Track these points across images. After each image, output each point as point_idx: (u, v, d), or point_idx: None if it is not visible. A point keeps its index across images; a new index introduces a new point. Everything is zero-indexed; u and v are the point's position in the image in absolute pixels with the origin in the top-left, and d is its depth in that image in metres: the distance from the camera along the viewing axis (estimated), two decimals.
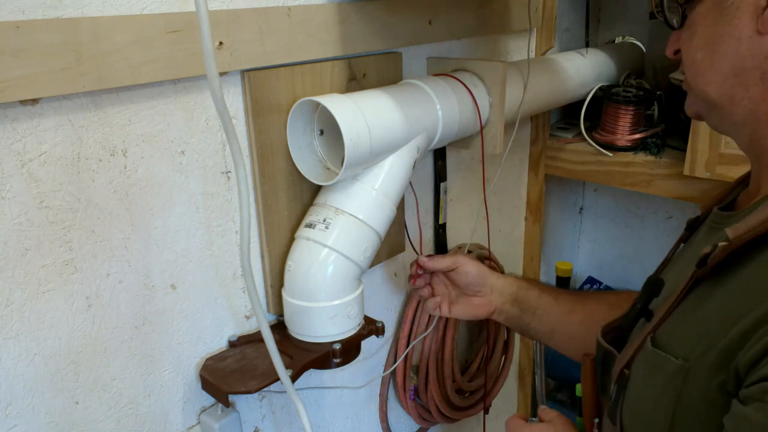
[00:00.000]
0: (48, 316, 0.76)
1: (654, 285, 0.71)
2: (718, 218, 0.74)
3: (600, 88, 1.56)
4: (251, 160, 0.94)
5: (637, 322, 0.72)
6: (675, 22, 0.71)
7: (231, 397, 1.02)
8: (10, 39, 0.64)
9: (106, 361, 0.84)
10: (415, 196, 1.27)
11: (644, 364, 0.67)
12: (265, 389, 1.06)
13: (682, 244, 0.84)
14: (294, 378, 0.90)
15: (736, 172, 1.25)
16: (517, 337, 1.93)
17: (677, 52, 0.73)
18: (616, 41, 1.87)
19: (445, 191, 1.39)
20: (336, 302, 0.96)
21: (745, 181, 0.78)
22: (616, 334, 0.78)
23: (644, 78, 1.78)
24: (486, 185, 1.54)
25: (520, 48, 1.53)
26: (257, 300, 0.83)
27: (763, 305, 0.56)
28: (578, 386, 0.92)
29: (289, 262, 0.97)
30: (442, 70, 1.19)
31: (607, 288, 2.23)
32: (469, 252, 1.41)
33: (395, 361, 1.36)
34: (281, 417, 1.13)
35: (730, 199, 0.77)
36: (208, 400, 0.99)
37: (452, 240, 1.48)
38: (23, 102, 0.69)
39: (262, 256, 0.99)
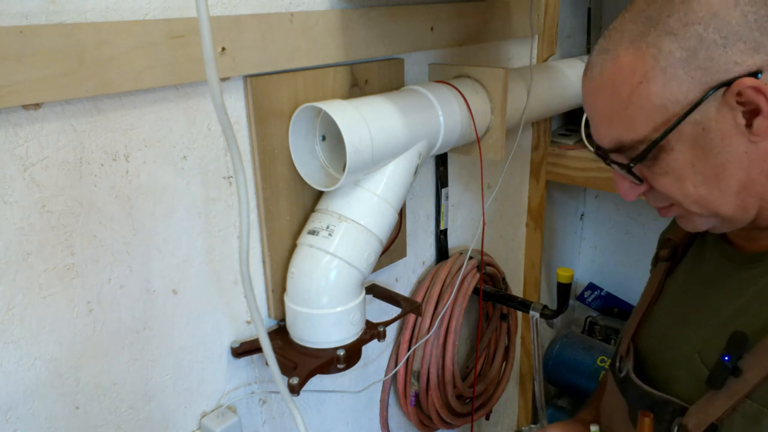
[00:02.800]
0: (49, 321, 0.76)
1: (743, 342, 0.67)
2: (736, 257, 0.75)
3: None
4: (253, 166, 0.94)
5: (727, 379, 0.68)
6: (631, 177, 0.71)
7: (232, 402, 1.02)
8: (14, 44, 0.64)
9: (106, 366, 0.84)
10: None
11: (743, 421, 0.66)
12: (266, 393, 1.06)
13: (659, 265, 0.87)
14: (301, 385, 0.90)
15: None
16: (517, 343, 1.92)
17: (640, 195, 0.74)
18: None
19: (447, 197, 1.39)
20: (339, 309, 0.96)
21: None
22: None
23: None
24: (488, 191, 1.54)
25: (522, 54, 1.53)
26: (255, 308, 0.83)
27: None
28: None
29: (292, 269, 0.97)
30: (443, 76, 1.19)
31: (608, 294, 2.24)
32: (471, 258, 1.41)
33: (396, 366, 1.35)
34: (281, 422, 1.13)
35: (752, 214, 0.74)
36: (208, 405, 0.99)
37: (453, 246, 1.48)
38: (26, 107, 0.69)
39: (264, 262, 0.99)
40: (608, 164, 0.73)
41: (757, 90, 0.60)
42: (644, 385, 0.77)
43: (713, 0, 0.62)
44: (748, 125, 0.62)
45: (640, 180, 0.70)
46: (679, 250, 0.87)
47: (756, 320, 0.68)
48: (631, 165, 0.68)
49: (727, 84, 0.61)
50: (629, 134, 0.67)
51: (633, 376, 0.80)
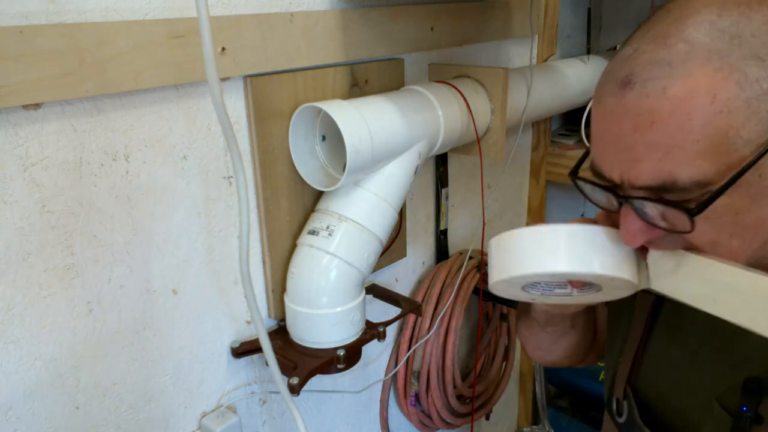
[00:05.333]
0: (49, 321, 0.76)
1: (758, 388, 0.63)
2: None
3: None
4: (253, 166, 0.94)
5: (751, 429, 0.64)
6: (683, 225, 0.57)
7: (232, 402, 1.02)
8: (13, 44, 0.64)
9: (106, 366, 0.84)
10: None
11: None
12: (266, 393, 1.06)
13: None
14: (301, 385, 0.90)
15: None
16: (517, 343, 1.92)
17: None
18: (618, 48, 1.87)
19: (447, 197, 1.39)
20: (339, 309, 0.96)
21: None
22: None
23: None
24: (488, 191, 1.54)
25: (522, 55, 1.53)
26: (255, 308, 0.83)
27: None
28: None
29: (292, 269, 0.97)
30: (444, 76, 1.19)
31: None
32: (471, 258, 1.41)
33: (396, 366, 1.35)
34: (281, 422, 1.13)
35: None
36: (208, 405, 0.99)
37: (453, 246, 1.48)
38: (26, 107, 0.69)
39: (264, 262, 0.99)
40: (624, 202, 0.60)
41: None
42: None
43: None
44: None
45: (692, 228, 0.56)
46: None
47: None
48: (695, 211, 0.55)
49: None
50: (689, 172, 0.54)
51: (639, 421, 0.75)
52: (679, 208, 0.55)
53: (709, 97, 0.52)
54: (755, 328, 0.57)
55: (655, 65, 0.54)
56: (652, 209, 0.58)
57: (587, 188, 0.64)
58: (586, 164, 0.66)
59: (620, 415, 0.79)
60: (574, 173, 0.65)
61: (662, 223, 0.59)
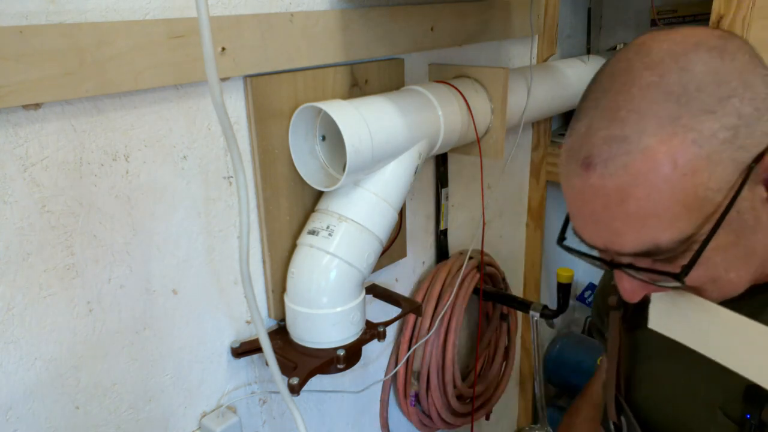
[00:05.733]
0: (49, 321, 0.76)
1: (758, 395, 0.64)
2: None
3: None
4: (253, 166, 0.94)
5: None
6: (674, 282, 0.58)
7: (232, 402, 1.02)
8: (13, 44, 0.64)
9: (106, 366, 0.84)
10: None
11: None
12: (266, 393, 1.06)
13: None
14: (301, 385, 0.90)
15: None
16: (517, 343, 1.92)
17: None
18: (618, 48, 1.87)
19: (447, 197, 1.39)
20: (339, 309, 0.96)
21: None
22: None
23: None
24: (488, 191, 1.55)
25: (522, 55, 1.53)
26: (255, 308, 0.83)
27: None
28: None
29: (292, 269, 0.97)
30: (444, 76, 1.19)
31: None
32: (471, 258, 1.41)
33: (396, 366, 1.35)
34: (281, 422, 1.13)
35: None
36: (208, 405, 0.99)
37: (453, 246, 1.48)
38: (26, 107, 0.69)
39: (264, 262, 0.99)
40: (615, 268, 0.61)
41: None
42: None
43: (738, 66, 0.54)
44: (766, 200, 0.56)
45: (684, 283, 0.58)
46: None
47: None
48: (682, 275, 0.56)
49: (759, 158, 0.54)
50: (669, 235, 0.55)
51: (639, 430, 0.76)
52: (666, 275, 0.57)
53: (671, 165, 0.52)
54: (744, 372, 0.59)
55: (611, 143, 0.54)
56: (642, 273, 0.59)
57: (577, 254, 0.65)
58: None
59: None
60: (560, 240, 0.66)
61: (655, 282, 0.60)
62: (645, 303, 0.69)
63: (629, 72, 0.56)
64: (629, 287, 0.62)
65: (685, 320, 0.64)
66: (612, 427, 0.83)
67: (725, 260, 0.58)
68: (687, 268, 0.56)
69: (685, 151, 0.52)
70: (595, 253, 0.63)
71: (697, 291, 0.62)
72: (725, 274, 0.59)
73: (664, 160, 0.52)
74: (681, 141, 0.52)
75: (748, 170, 0.54)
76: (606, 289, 0.89)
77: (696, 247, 0.56)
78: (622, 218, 0.56)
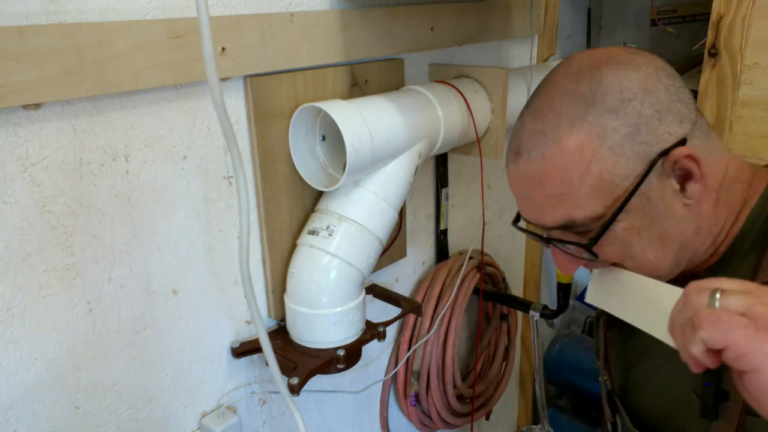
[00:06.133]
0: (49, 321, 0.76)
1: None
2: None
3: None
4: (253, 166, 0.94)
5: (719, 406, 0.68)
6: (589, 255, 0.68)
7: (232, 402, 1.02)
8: (13, 44, 0.64)
9: (106, 366, 0.84)
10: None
11: None
12: (266, 393, 1.06)
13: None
14: (301, 385, 0.90)
15: None
16: (518, 343, 1.92)
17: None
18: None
19: (447, 197, 1.39)
20: (339, 309, 0.96)
21: None
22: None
23: None
24: (488, 191, 1.55)
25: (522, 55, 1.53)
26: (255, 308, 0.83)
27: None
28: None
29: (292, 269, 0.97)
30: (444, 76, 1.19)
31: None
32: (471, 258, 1.41)
33: (396, 366, 1.35)
34: (281, 422, 1.13)
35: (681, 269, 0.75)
36: (208, 404, 0.99)
37: (453, 246, 1.48)
38: (26, 107, 0.69)
39: (264, 261, 0.99)
40: (547, 244, 0.72)
41: (690, 157, 0.63)
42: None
43: (642, 76, 0.64)
44: (682, 189, 0.65)
45: (596, 256, 0.68)
46: None
47: None
48: (589, 245, 0.67)
49: (665, 153, 0.63)
50: (581, 212, 0.66)
51: (631, 426, 0.80)
52: (578, 245, 0.67)
53: (578, 153, 0.64)
54: (654, 333, 0.65)
55: (534, 135, 0.67)
56: (566, 246, 0.70)
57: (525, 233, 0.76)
58: None
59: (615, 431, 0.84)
60: (515, 222, 0.77)
61: (579, 255, 0.70)
62: None
63: (553, 80, 0.68)
64: (561, 260, 0.73)
65: (617, 294, 0.73)
66: (609, 427, 0.85)
67: (640, 241, 0.67)
68: (593, 241, 0.66)
69: (590, 142, 0.63)
70: (538, 231, 0.73)
71: (621, 268, 0.71)
72: (642, 254, 0.68)
73: (573, 149, 0.64)
74: (587, 134, 0.63)
75: (652, 163, 0.63)
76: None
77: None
78: (542, 197, 0.67)
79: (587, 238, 0.67)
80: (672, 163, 0.64)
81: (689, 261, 0.71)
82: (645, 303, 0.68)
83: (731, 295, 0.51)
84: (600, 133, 0.63)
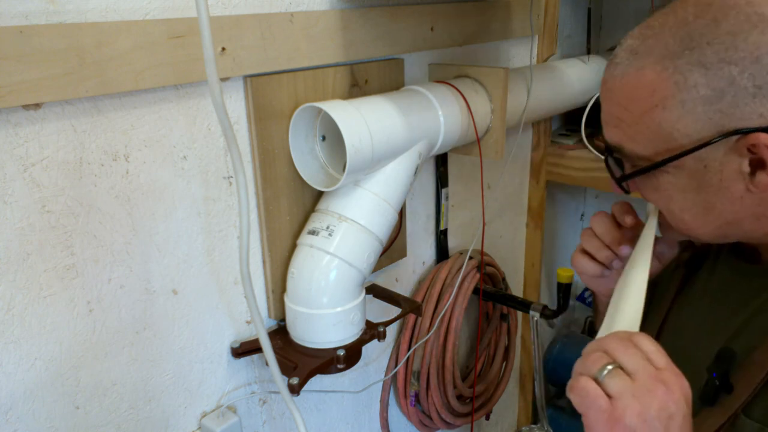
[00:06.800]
0: (49, 321, 0.76)
1: (729, 358, 0.68)
2: (742, 270, 0.74)
3: None
4: (253, 166, 0.94)
5: (719, 396, 0.68)
6: (625, 186, 0.71)
7: (232, 402, 1.02)
8: (14, 44, 0.64)
9: (106, 366, 0.84)
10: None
11: None
12: (266, 393, 1.06)
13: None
14: (301, 385, 0.90)
15: None
16: (518, 343, 1.92)
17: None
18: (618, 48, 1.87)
19: (447, 197, 1.39)
20: (339, 309, 0.96)
21: None
22: None
23: None
24: (488, 191, 1.54)
25: (522, 55, 1.53)
26: (255, 308, 0.83)
27: None
28: None
29: (292, 269, 0.97)
30: (444, 76, 1.19)
31: None
32: (471, 258, 1.41)
33: (396, 366, 1.35)
34: (281, 422, 1.13)
35: (732, 240, 0.75)
36: (208, 405, 0.99)
37: (453, 246, 1.48)
38: (26, 107, 0.69)
39: (264, 262, 0.99)
40: (605, 157, 0.72)
41: None
42: None
43: (762, 41, 0.57)
44: (752, 174, 0.61)
45: (627, 192, 0.70)
46: (699, 256, 0.84)
47: (753, 336, 0.68)
48: (620, 179, 0.68)
49: (744, 132, 0.58)
50: (630, 145, 0.65)
51: None
52: (612, 173, 0.70)
53: (649, 91, 0.61)
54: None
55: (628, 51, 0.64)
56: (611, 163, 0.71)
57: None
58: None
59: None
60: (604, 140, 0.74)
61: (624, 191, 0.71)
62: (702, 262, 0.82)
63: (684, 1, 0.63)
64: (612, 180, 0.73)
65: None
66: None
67: (682, 200, 0.66)
68: (625, 177, 0.67)
69: (665, 87, 0.60)
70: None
71: (662, 217, 0.72)
72: (679, 212, 0.67)
73: (646, 85, 0.62)
74: (667, 78, 0.60)
75: (724, 135, 0.59)
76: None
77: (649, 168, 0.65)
78: (609, 112, 0.67)
79: (628, 170, 0.67)
80: (749, 145, 0.59)
81: (748, 238, 0.69)
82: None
83: (616, 376, 0.57)
84: (679, 83, 0.60)
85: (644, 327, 0.86)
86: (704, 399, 0.68)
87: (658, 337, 0.83)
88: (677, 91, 0.60)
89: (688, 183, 0.64)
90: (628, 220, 0.79)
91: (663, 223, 0.74)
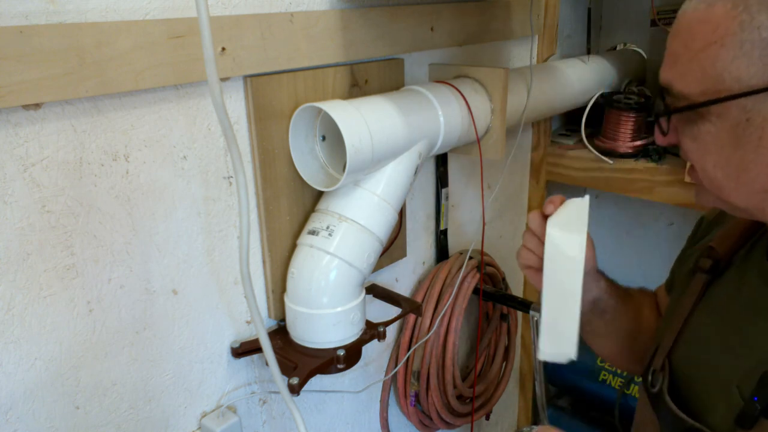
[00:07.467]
0: (49, 321, 0.76)
1: None
2: None
3: (601, 95, 1.56)
4: (253, 166, 0.94)
5: (758, 420, 0.66)
6: (664, 129, 0.70)
7: (232, 402, 1.02)
8: (14, 44, 0.64)
9: (106, 366, 0.84)
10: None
11: None
12: (266, 393, 1.06)
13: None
14: (301, 385, 0.90)
15: None
16: (518, 343, 1.92)
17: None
18: (618, 48, 1.88)
19: (447, 197, 1.39)
20: (339, 309, 0.96)
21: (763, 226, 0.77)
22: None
23: (645, 85, 1.78)
24: (488, 191, 1.54)
25: (522, 55, 1.53)
26: (255, 308, 0.83)
27: None
28: None
29: (292, 269, 0.97)
30: (443, 76, 1.19)
31: None
32: (471, 258, 1.41)
33: (396, 366, 1.35)
34: (282, 422, 1.13)
35: (763, 247, 0.75)
36: (208, 405, 0.99)
37: (453, 246, 1.48)
38: (26, 107, 0.69)
39: (264, 261, 0.99)
40: (663, 99, 0.71)
41: None
42: (678, 410, 0.75)
43: None
44: None
45: (664, 132, 0.69)
46: (722, 263, 0.80)
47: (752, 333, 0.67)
48: (662, 112, 0.67)
49: None
50: (681, 81, 0.64)
51: (667, 397, 0.77)
52: (665, 114, 0.68)
53: (711, 27, 0.60)
54: None
55: None
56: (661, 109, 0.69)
57: None
58: None
59: (654, 386, 0.81)
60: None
61: (662, 129, 0.70)
62: (728, 266, 0.79)
63: None
64: (657, 129, 0.71)
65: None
66: (651, 376, 0.82)
67: (717, 155, 0.64)
68: (670, 111, 0.66)
69: (728, 25, 0.59)
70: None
71: (696, 178, 0.70)
72: (712, 169, 0.66)
73: (712, 21, 0.60)
74: (733, 16, 0.58)
75: None
76: (696, 234, 0.94)
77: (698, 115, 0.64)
78: (669, 49, 0.66)
79: (671, 109, 0.66)
80: None
81: None
82: None
83: None
84: (744, 22, 0.58)
85: (661, 334, 0.85)
86: (741, 422, 0.67)
87: (674, 346, 0.81)
88: (740, 30, 0.58)
89: (728, 137, 0.62)
90: (548, 208, 0.85)
91: (697, 185, 0.72)
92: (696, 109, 0.63)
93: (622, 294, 0.98)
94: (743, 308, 0.74)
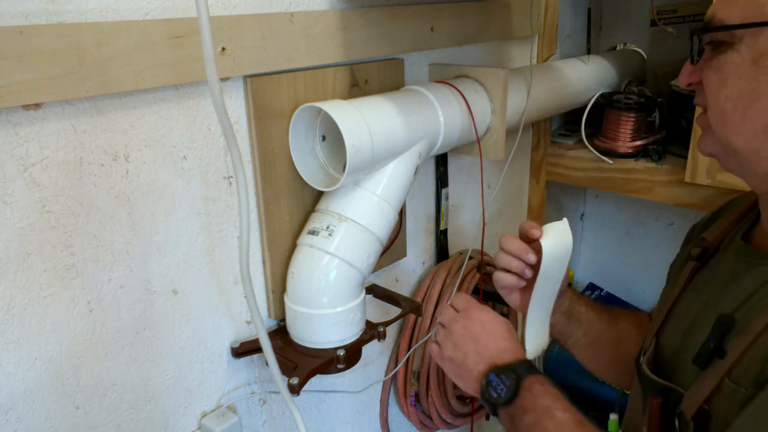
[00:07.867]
0: (49, 321, 0.76)
1: (728, 324, 0.70)
2: (749, 254, 0.76)
3: (601, 95, 1.56)
4: (253, 166, 0.94)
5: (712, 360, 0.70)
6: (695, 53, 0.71)
7: (232, 402, 1.02)
8: (14, 44, 0.64)
9: (106, 366, 0.84)
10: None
11: (723, 401, 0.67)
12: (266, 393, 1.06)
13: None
14: (301, 385, 0.90)
15: (737, 180, 1.24)
16: None
17: (690, 84, 0.74)
18: (618, 48, 1.88)
19: (447, 197, 1.39)
20: (339, 309, 0.96)
21: (752, 210, 0.81)
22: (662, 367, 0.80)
23: (645, 85, 1.78)
24: (488, 191, 1.54)
25: (522, 55, 1.53)
26: (255, 308, 0.83)
27: None
28: (611, 422, 1.01)
29: (292, 269, 0.97)
30: (443, 76, 1.19)
31: (608, 294, 2.23)
32: (471, 258, 1.41)
33: (396, 366, 1.35)
34: (281, 422, 1.13)
35: (743, 230, 0.80)
36: (208, 405, 0.99)
37: (453, 246, 1.48)
38: (26, 107, 0.69)
39: (264, 262, 0.99)
40: (700, 36, 0.72)
41: None
42: (651, 373, 0.79)
43: None
44: None
45: (694, 57, 0.70)
46: (710, 250, 0.86)
47: (755, 307, 0.69)
48: (702, 29, 0.68)
49: None
50: (723, 11, 0.66)
51: (644, 366, 0.81)
52: (692, 49, 0.70)
53: None
54: None
55: None
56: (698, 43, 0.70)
57: None
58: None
59: (640, 363, 0.85)
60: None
61: (696, 54, 0.71)
62: (715, 253, 0.84)
63: None
64: (684, 70, 0.73)
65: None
66: (641, 356, 0.86)
67: (732, 86, 0.66)
68: (708, 29, 0.67)
69: None
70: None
71: (706, 127, 0.72)
72: (723, 100, 0.67)
73: None
74: None
75: None
76: (690, 236, 0.99)
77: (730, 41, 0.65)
78: None
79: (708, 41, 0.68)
80: None
81: None
82: None
83: (440, 332, 0.91)
84: None
85: (654, 316, 0.90)
86: (698, 362, 0.71)
87: (662, 327, 0.86)
88: None
89: (748, 69, 0.64)
90: (536, 233, 0.91)
91: (703, 131, 0.74)
92: (731, 30, 0.64)
93: (591, 303, 1.06)
94: (718, 284, 0.78)
